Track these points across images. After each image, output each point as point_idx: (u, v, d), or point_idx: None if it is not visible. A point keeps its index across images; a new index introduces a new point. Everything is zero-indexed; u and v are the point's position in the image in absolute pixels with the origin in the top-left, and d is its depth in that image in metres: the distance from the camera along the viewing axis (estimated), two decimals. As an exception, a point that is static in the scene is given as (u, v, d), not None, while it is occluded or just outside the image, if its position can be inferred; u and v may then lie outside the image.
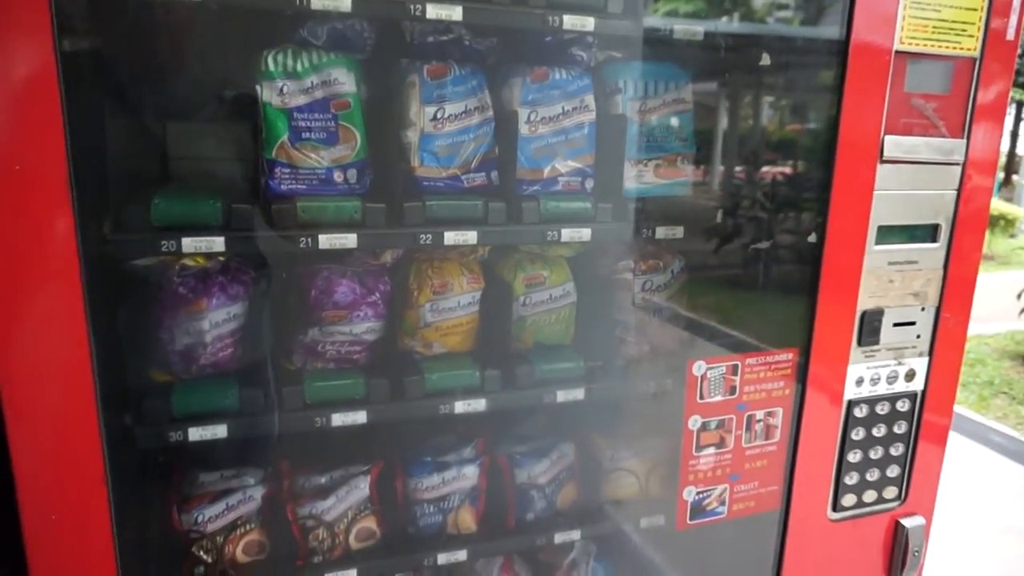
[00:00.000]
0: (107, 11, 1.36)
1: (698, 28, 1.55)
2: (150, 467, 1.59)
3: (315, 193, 1.45)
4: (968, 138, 1.52)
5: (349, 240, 1.42)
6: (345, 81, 1.44)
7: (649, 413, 1.86)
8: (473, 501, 1.79)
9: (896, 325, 1.60)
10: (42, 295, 1.15)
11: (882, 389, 1.64)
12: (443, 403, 1.62)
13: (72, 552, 1.26)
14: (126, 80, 1.51)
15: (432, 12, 1.33)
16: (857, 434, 1.64)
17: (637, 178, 1.67)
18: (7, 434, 1.16)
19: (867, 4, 1.38)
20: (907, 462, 1.71)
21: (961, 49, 1.47)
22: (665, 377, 1.76)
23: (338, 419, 1.54)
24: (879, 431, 1.66)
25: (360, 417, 1.55)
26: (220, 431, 1.45)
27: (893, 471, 1.70)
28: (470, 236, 1.51)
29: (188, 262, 1.49)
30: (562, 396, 1.69)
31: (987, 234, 1.87)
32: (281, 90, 1.41)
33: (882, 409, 1.65)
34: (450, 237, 1.49)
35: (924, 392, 1.68)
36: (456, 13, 1.35)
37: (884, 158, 1.47)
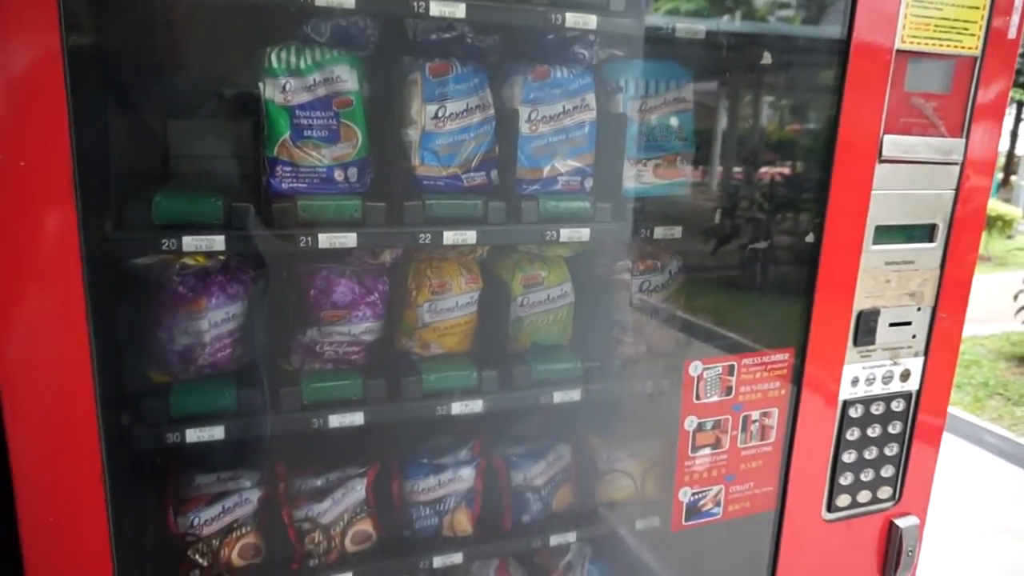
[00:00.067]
0: (111, 8, 1.35)
1: (700, 27, 1.55)
2: (147, 469, 1.58)
3: (316, 192, 1.45)
4: (967, 138, 1.53)
5: (349, 239, 1.42)
6: (348, 79, 1.44)
7: (645, 414, 1.86)
8: (469, 503, 1.79)
9: (892, 325, 1.60)
10: (43, 293, 1.14)
11: (877, 389, 1.65)
12: (440, 404, 1.61)
13: (69, 554, 1.25)
14: (128, 77, 1.50)
15: (436, 9, 1.33)
16: (852, 434, 1.65)
17: (636, 178, 1.67)
18: (6, 434, 1.15)
19: (869, 3, 1.38)
20: (901, 462, 1.72)
21: (962, 48, 1.48)
22: (662, 378, 1.76)
23: (335, 420, 1.53)
24: (874, 431, 1.67)
25: (357, 418, 1.55)
26: (217, 432, 1.44)
27: (888, 471, 1.71)
28: (469, 236, 1.51)
29: (188, 261, 1.48)
30: (559, 397, 1.69)
31: (984, 235, 1.88)
32: (284, 87, 1.40)
33: (877, 409, 1.66)
34: (449, 236, 1.49)
35: (919, 392, 1.69)
36: (459, 10, 1.35)
37: (883, 157, 1.47)
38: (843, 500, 1.68)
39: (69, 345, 1.16)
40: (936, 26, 1.44)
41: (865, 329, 1.58)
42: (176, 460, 1.65)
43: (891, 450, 1.70)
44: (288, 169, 1.43)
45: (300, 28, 1.43)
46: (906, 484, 1.73)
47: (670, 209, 1.71)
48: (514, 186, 1.60)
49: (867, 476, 1.69)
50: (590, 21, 1.44)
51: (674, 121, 1.69)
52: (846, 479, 1.67)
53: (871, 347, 1.60)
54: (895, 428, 1.69)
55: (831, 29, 1.44)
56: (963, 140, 1.53)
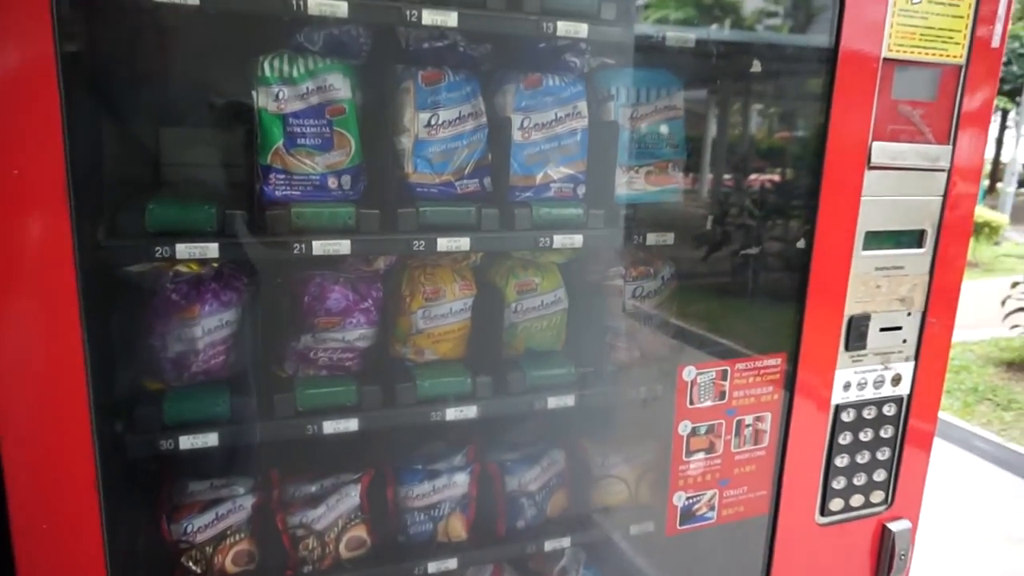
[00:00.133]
0: (105, 16, 1.36)
1: (690, 35, 1.56)
2: (140, 476, 1.58)
3: (309, 199, 1.45)
4: (954, 144, 1.55)
5: (343, 246, 1.42)
6: (341, 87, 1.44)
7: (639, 419, 1.87)
8: (463, 509, 1.79)
9: (883, 330, 1.62)
10: (37, 301, 1.14)
11: (869, 393, 1.66)
12: (434, 410, 1.61)
13: (62, 562, 1.24)
14: (121, 85, 1.51)
15: (428, 18, 1.34)
16: (844, 438, 1.66)
17: (628, 184, 1.68)
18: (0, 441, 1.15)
19: (856, 12, 1.40)
20: (893, 466, 1.73)
21: (947, 56, 1.50)
22: (655, 383, 1.76)
23: (330, 427, 1.53)
24: (866, 435, 1.68)
25: (352, 424, 1.55)
26: (211, 439, 1.44)
27: (880, 475, 1.72)
28: (463, 242, 1.52)
29: (181, 268, 1.49)
30: (553, 402, 1.70)
31: (972, 241, 1.89)
32: (277, 96, 1.41)
33: (869, 413, 1.67)
34: (443, 243, 1.50)
35: (910, 396, 1.70)
36: (451, 19, 1.36)
37: (871, 164, 1.49)
38: (836, 504, 1.69)
39: (63, 353, 1.16)
40: (922, 35, 1.46)
41: (856, 334, 1.59)
42: (170, 467, 1.64)
43: (883, 454, 1.71)
44: (281, 177, 1.43)
45: (293, 37, 1.44)
46: (898, 488, 1.74)
47: (662, 216, 1.72)
48: (507, 193, 1.61)
49: (860, 480, 1.70)
50: (581, 30, 1.45)
51: (665, 128, 1.70)
52: (839, 483, 1.68)
53: (862, 352, 1.62)
54: (887, 432, 1.70)
55: (819, 38, 1.46)
56: (950, 147, 1.55)
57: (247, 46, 1.43)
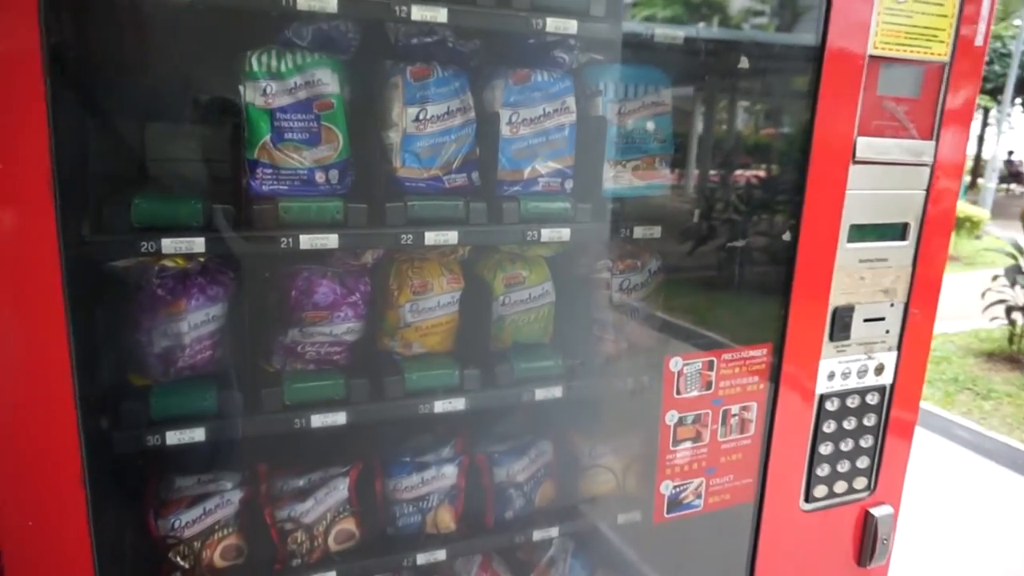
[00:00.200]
0: (91, 12, 1.34)
1: (678, 32, 1.57)
2: (127, 471, 1.57)
3: (297, 194, 1.45)
4: (937, 140, 1.57)
5: (331, 240, 1.42)
6: (329, 82, 1.44)
7: (626, 410, 1.88)
8: (452, 500, 1.80)
9: (866, 321, 1.64)
10: (22, 296, 1.13)
11: (852, 383, 1.68)
12: (423, 403, 1.62)
13: (49, 558, 1.24)
14: (107, 80, 1.49)
15: (417, 14, 1.34)
16: (828, 427, 1.68)
17: (616, 179, 1.69)
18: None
19: (842, 10, 1.41)
20: (876, 453, 1.76)
21: (932, 54, 1.51)
22: (642, 374, 1.78)
23: (318, 420, 1.53)
24: (849, 424, 1.70)
25: (340, 418, 1.55)
26: (198, 434, 1.44)
27: (863, 462, 1.74)
28: (451, 236, 1.52)
29: (167, 263, 1.47)
30: (541, 394, 1.71)
31: (953, 236, 1.92)
32: (264, 90, 1.40)
33: (852, 402, 1.69)
34: (431, 237, 1.50)
35: (893, 385, 1.72)
36: (441, 15, 1.36)
37: (856, 159, 1.51)
38: (820, 491, 1.71)
39: (48, 348, 1.15)
40: (907, 33, 1.48)
41: (840, 325, 1.61)
42: (156, 462, 1.64)
43: (866, 442, 1.74)
44: (268, 171, 1.43)
45: (282, 32, 1.43)
46: (881, 475, 1.77)
47: (649, 210, 1.73)
48: (495, 187, 1.61)
49: (843, 467, 1.72)
50: (570, 26, 1.45)
51: (652, 124, 1.71)
52: (823, 470, 1.70)
53: (846, 342, 1.64)
54: (870, 420, 1.73)
55: (806, 36, 1.47)
56: (933, 142, 1.57)
57: (235, 41, 1.42)
